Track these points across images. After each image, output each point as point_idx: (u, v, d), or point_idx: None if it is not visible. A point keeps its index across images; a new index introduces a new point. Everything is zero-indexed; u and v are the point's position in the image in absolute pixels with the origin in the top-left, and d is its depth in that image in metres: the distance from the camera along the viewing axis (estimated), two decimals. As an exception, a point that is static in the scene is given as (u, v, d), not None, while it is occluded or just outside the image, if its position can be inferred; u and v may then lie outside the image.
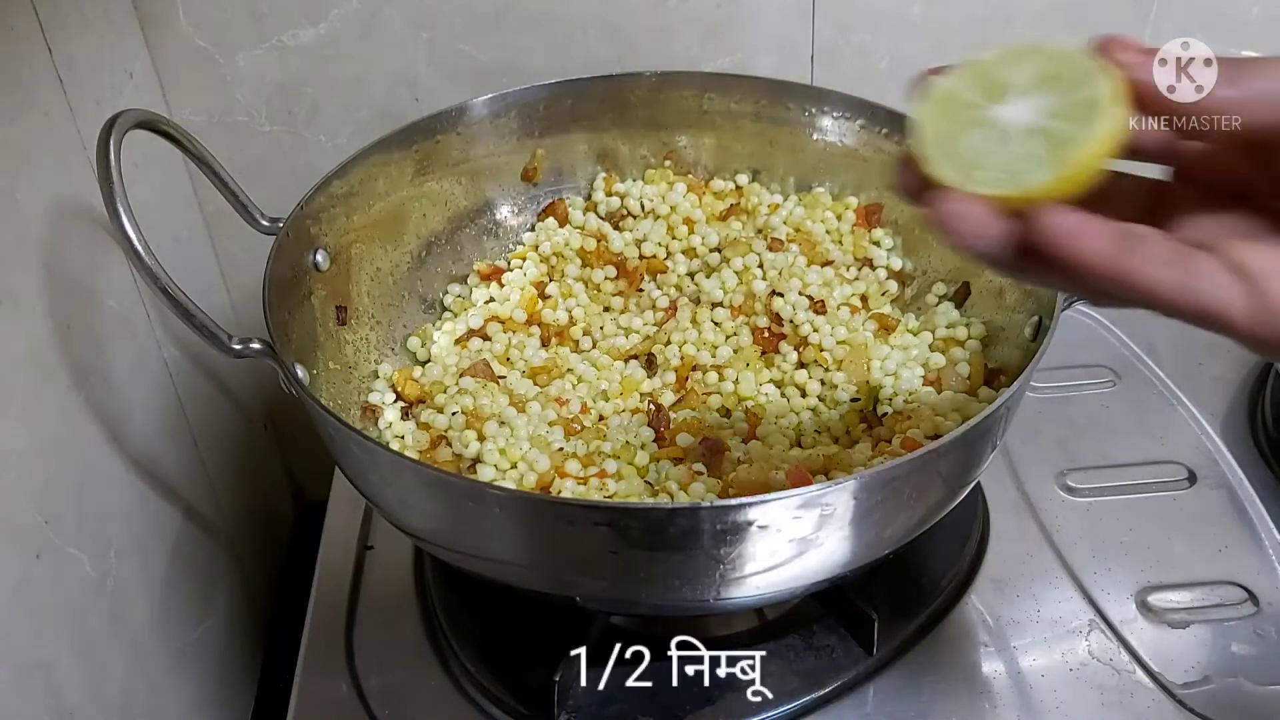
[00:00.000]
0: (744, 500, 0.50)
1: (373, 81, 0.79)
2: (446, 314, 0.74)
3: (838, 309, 0.70)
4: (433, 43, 0.78)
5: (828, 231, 0.75)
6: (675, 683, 0.60)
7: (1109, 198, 0.35)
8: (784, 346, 0.68)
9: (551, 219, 0.77)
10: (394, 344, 0.71)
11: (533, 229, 0.77)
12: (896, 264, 0.74)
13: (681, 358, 0.68)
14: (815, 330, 0.68)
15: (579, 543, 0.50)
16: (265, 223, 0.63)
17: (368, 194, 0.68)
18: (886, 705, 0.59)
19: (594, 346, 0.71)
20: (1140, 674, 0.60)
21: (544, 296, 0.72)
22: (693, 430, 0.61)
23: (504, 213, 0.77)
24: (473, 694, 0.61)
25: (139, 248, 0.50)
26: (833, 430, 0.65)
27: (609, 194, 0.77)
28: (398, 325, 0.71)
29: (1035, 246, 0.33)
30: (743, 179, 0.78)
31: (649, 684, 0.60)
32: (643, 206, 0.76)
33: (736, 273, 0.72)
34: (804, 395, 0.66)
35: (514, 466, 0.59)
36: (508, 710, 0.60)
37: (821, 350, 0.67)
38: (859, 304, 0.71)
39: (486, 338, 0.70)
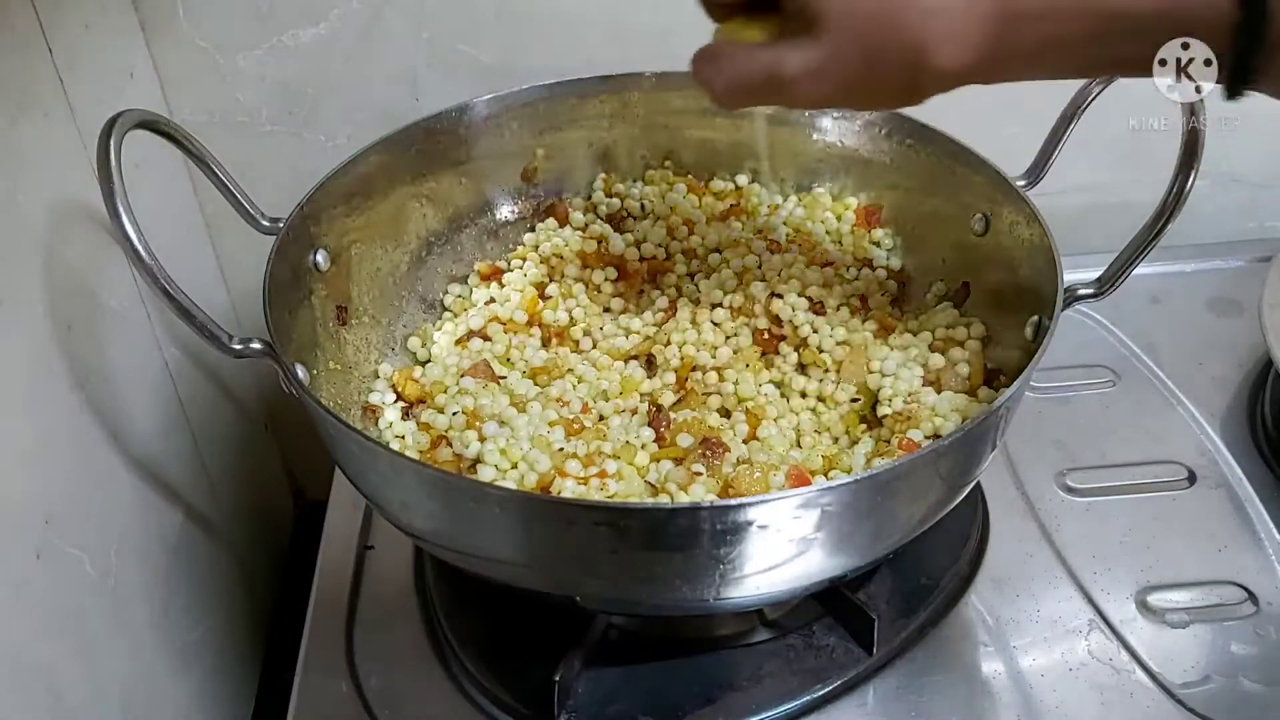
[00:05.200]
0: (744, 500, 0.50)
1: (373, 81, 0.79)
2: (446, 314, 0.74)
3: (837, 309, 0.70)
4: (433, 43, 0.78)
5: (827, 232, 0.75)
6: (675, 683, 0.60)
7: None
8: (784, 347, 0.68)
9: (551, 219, 0.77)
10: (394, 344, 0.71)
11: (533, 229, 0.77)
12: (896, 264, 0.74)
13: (681, 358, 0.68)
14: (815, 331, 0.68)
15: (579, 543, 0.50)
16: (265, 223, 0.63)
17: (368, 194, 0.68)
18: (886, 705, 0.59)
19: (594, 347, 0.71)
20: (1140, 674, 0.60)
21: (544, 297, 0.73)
22: (693, 430, 0.61)
23: (504, 213, 0.77)
24: (473, 694, 0.61)
25: (139, 248, 0.50)
26: (833, 430, 0.65)
27: (609, 194, 0.77)
28: (398, 325, 0.71)
29: None
30: (743, 179, 0.78)
31: (649, 684, 0.60)
32: (643, 207, 0.76)
33: (736, 274, 0.72)
34: (804, 396, 0.66)
35: (514, 467, 0.59)
36: (508, 710, 0.60)
37: (821, 351, 0.67)
38: (858, 304, 0.71)
39: (487, 338, 0.70)
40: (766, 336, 0.69)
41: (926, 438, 0.60)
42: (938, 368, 0.64)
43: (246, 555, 0.85)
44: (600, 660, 0.61)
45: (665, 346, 0.68)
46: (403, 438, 0.64)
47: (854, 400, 0.65)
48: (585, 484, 0.58)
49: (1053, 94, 0.63)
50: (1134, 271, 0.56)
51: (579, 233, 0.76)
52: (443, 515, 0.54)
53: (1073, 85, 0.61)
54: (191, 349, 0.76)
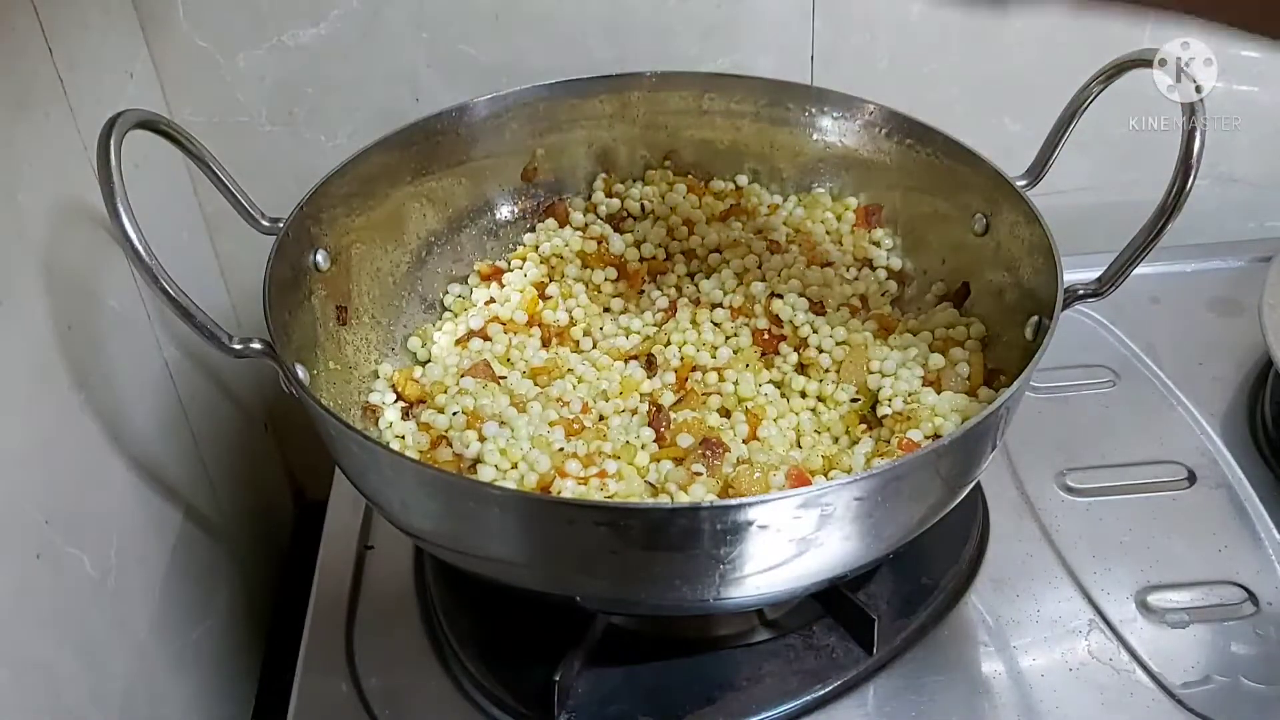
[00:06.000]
0: (744, 500, 0.50)
1: (373, 81, 0.79)
2: (447, 314, 0.74)
3: (837, 310, 0.70)
4: (433, 43, 0.78)
5: (827, 232, 0.75)
6: (675, 683, 0.60)
7: None
8: (784, 347, 0.68)
9: (551, 219, 0.77)
10: (394, 344, 0.71)
11: (533, 229, 0.77)
12: (896, 264, 0.74)
13: (681, 358, 0.68)
14: (815, 331, 0.68)
15: (579, 543, 0.50)
16: (265, 223, 0.63)
17: (368, 194, 0.68)
18: (886, 705, 0.59)
19: (594, 347, 0.71)
20: (1140, 674, 0.60)
21: (544, 297, 0.73)
22: (693, 430, 0.61)
23: (504, 213, 0.77)
24: (473, 694, 0.61)
25: (139, 248, 0.50)
26: (833, 430, 0.65)
27: (609, 194, 0.77)
28: (398, 325, 0.71)
29: None
30: (743, 179, 0.78)
31: (649, 684, 0.60)
32: (643, 208, 0.76)
33: (736, 274, 0.72)
34: (804, 396, 0.67)
35: (514, 467, 0.59)
36: (508, 710, 0.60)
37: (821, 351, 0.67)
38: (858, 304, 0.71)
39: (487, 338, 0.70)
40: (766, 336, 0.69)
41: (926, 438, 0.60)
42: (938, 368, 0.64)
43: (246, 555, 0.85)
44: (600, 660, 0.61)
45: (665, 346, 0.68)
46: (403, 438, 0.64)
47: (854, 400, 0.65)
48: (585, 484, 0.58)
49: (1053, 94, 0.63)
50: (1134, 271, 0.56)
51: (579, 233, 0.76)
52: (443, 515, 0.54)
53: (1073, 85, 0.61)
54: (191, 349, 0.76)
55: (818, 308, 0.69)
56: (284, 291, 0.60)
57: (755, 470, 0.57)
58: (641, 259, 0.74)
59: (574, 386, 0.67)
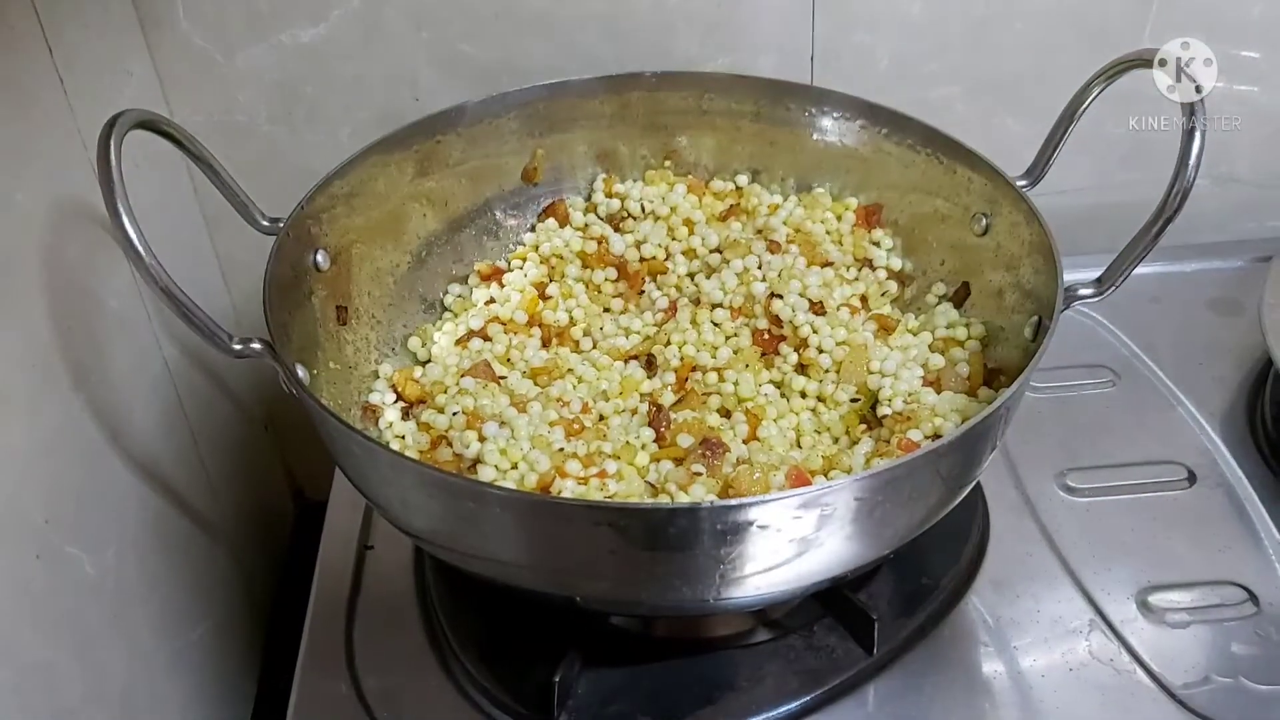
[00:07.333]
0: (744, 500, 0.50)
1: (373, 81, 0.79)
2: (447, 314, 0.74)
3: (837, 310, 0.70)
4: (433, 43, 0.78)
5: (828, 232, 0.75)
6: (675, 683, 0.60)
7: None
8: (784, 347, 0.68)
9: (552, 220, 0.77)
10: (394, 344, 0.71)
11: (533, 230, 0.77)
12: (896, 264, 0.74)
13: (681, 358, 0.68)
14: (815, 332, 0.68)
15: (579, 543, 0.50)
16: (265, 223, 0.63)
17: (368, 194, 0.68)
18: (886, 705, 0.59)
19: (594, 347, 0.71)
20: (1140, 674, 0.60)
21: (544, 297, 0.73)
22: (693, 430, 0.61)
23: (504, 213, 0.77)
24: (473, 694, 0.61)
25: (139, 248, 0.50)
26: (833, 431, 0.65)
27: (609, 195, 0.77)
28: (398, 325, 0.71)
29: None
30: (743, 179, 0.78)
31: (649, 684, 0.60)
32: (643, 208, 0.76)
33: (736, 274, 0.72)
34: (804, 396, 0.66)
35: (514, 467, 0.59)
36: (508, 710, 0.60)
37: (821, 351, 0.67)
38: (859, 304, 0.71)
39: (487, 338, 0.70)
40: (766, 336, 0.69)
41: (926, 438, 0.60)
42: (938, 368, 0.64)
43: (246, 555, 0.85)
44: (600, 660, 0.61)
45: (665, 346, 0.68)
46: (403, 438, 0.64)
47: (854, 400, 0.65)
48: (585, 484, 0.58)
49: (1053, 94, 0.63)
50: (1134, 271, 0.56)
51: (579, 233, 0.76)
52: (443, 515, 0.54)
53: (1073, 85, 0.61)
54: (191, 349, 0.76)
55: (818, 308, 0.69)
56: (284, 291, 0.60)
57: (755, 470, 0.57)
58: (641, 259, 0.74)
59: (574, 386, 0.67)
